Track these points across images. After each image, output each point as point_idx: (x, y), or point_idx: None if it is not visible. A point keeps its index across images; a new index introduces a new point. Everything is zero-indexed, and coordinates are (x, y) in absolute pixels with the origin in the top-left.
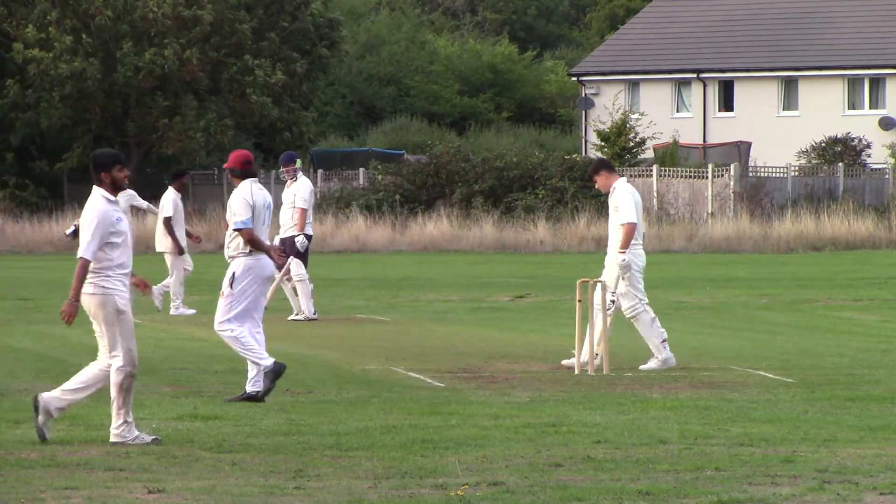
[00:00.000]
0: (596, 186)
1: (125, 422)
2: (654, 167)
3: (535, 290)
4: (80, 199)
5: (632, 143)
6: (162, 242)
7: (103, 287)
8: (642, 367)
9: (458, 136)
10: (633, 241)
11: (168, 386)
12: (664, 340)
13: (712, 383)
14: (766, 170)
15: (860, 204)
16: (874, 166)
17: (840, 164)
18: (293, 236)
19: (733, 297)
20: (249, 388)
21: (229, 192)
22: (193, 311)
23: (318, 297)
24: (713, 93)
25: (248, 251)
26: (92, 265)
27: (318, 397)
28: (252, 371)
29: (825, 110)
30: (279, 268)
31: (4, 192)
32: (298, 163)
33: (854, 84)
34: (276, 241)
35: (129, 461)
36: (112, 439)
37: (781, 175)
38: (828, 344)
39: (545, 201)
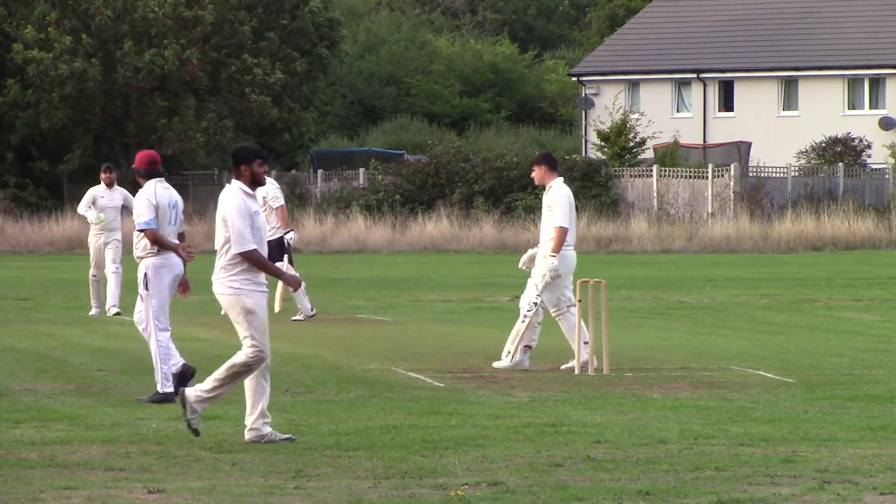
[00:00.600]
0: (532, 175)
1: (262, 415)
2: (654, 167)
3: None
4: (80, 200)
5: (632, 143)
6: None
7: (232, 287)
8: (496, 363)
9: (458, 136)
10: (564, 244)
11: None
12: (529, 346)
13: (712, 383)
14: (766, 170)
15: (860, 204)
16: (874, 166)
17: (840, 164)
18: (274, 239)
19: (733, 297)
20: (161, 388)
21: None
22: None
23: (318, 297)
24: (713, 93)
25: (155, 251)
26: (222, 263)
27: (318, 397)
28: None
29: (825, 110)
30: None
31: (4, 192)
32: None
33: (854, 84)
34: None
35: (129, 461)
36: (247, 438)
37: (781, 175)
38: (828, 344)
39: None
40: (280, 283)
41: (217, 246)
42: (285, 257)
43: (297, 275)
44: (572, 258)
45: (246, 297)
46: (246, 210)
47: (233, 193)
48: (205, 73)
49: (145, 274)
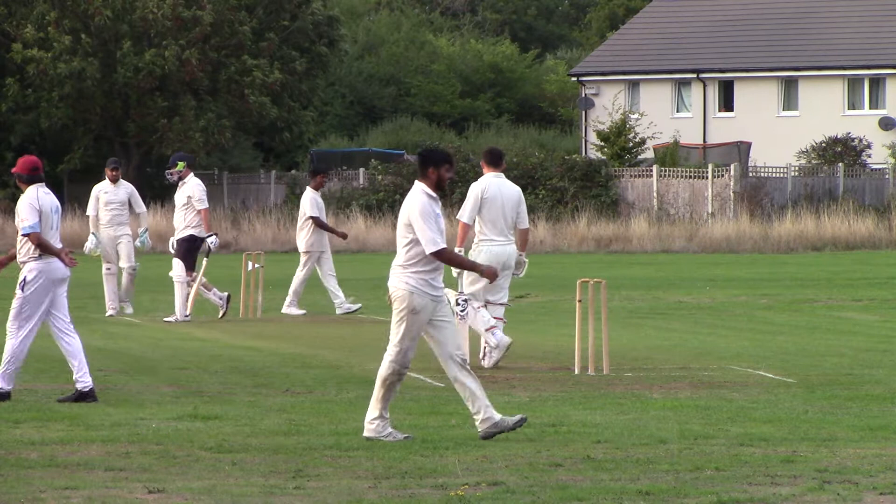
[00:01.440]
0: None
1: (381, 416)
2: (654, 167)
3: (535, 290)
4: (80, 200)
5: (632, 143)
6: (304, 241)
7: (408, 283)
8: (485, 363)
9: (458, 136)
10: (483, 238)
11: (168, 386)
12: (492, 327)
13: (712, 383)
14: (766, 170)
15: (860, 204)
16: (874, 166)
17: (840, 164)
18: (187, 237)
19: (733, 297)
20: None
21: (229, 193)
22: (304, 311)
23: (319, 296)
24: (713, 93)
25: (38, 255)
26: (401, 261)
27: (318, 397)
28: (77, 371)
29: (825, 110)
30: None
31: (4, 191)
32: (181, 165)
33: (854, 84)
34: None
35: (129, 461)
36: (365, 434)
37: (781, 175)
38: (828, 344)
39: (545, 201)
40: (194, 287)
41: (399, 246)
42: (204, 261)
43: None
44: (496, 253)
45: (417, 297)
46: (430, 212)
47: (417, 196)
48: (204, 74)
49: (24, 277)
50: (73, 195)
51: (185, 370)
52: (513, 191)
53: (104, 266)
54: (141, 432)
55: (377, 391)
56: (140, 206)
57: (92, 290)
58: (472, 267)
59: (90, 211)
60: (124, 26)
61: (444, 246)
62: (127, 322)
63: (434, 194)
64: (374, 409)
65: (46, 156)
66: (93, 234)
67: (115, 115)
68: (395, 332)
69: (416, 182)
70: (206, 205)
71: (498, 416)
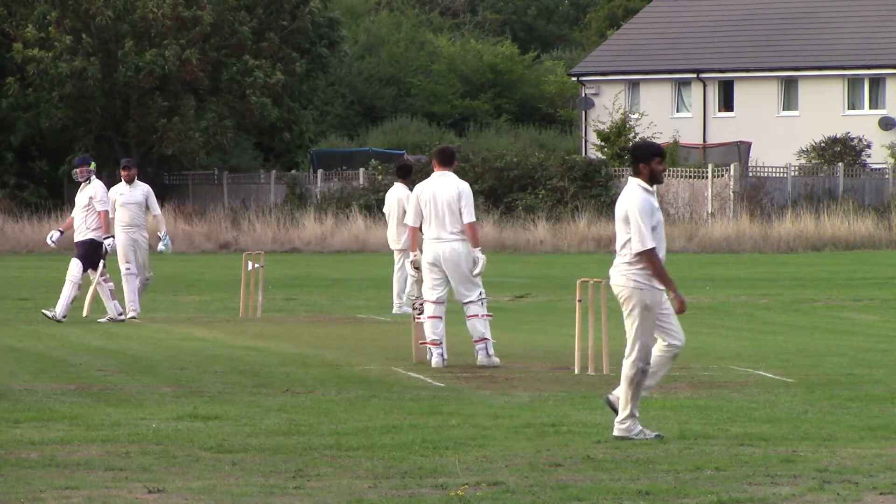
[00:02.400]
0: None
1: (632, 415)
2: None
3: (535, 290)
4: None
5: (632, 143)
6: (397, 240)
7: (635, 280)
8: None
9: (458, 136)
10: (424, 236)
11: (168, 386)
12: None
13: (712, 383)
14: (766, 170)
15: (860, 204)
16: (874, 166)
17: (840, 164)
18: (88, 239)
19: (733, 297)
20: None
21: (230, 193)
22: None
23: (319, 297)
24: (713, 93)
25: None
26: (626, 258)
27: (318, 397)
28: None
29: (825, 110)
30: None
31: (4, 191)
32: (93, 165)
33: (854, 84)
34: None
35: (129, 461)
36: (615, 433)
37: (781, 175)
38: (828, 344)
39: (545, 201)
40: (91, 287)
41: (618, 243)
42: (101, 263)
43: (681, 297)
44: (429, 250)
45: (647, 294)
46: (649, 208)
47: (635, 191)
48: (205, 74)
49: None
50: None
51: (185, 370)
52: (449, 188)
53: (123, 267)
54: (141, 432)
55: (625, 392)
56: (155, 208)
57: None
58: (668, 283)
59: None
60: (125, 26)
61: (653, 247)
62: (127, 322)
63: (650, 188)
64: (624, 410)
65: (46, 156)
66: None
67: (116, 115)
68: (632, 331)
69: (630, 178)
70: (106, 206)
71: (637, 429)
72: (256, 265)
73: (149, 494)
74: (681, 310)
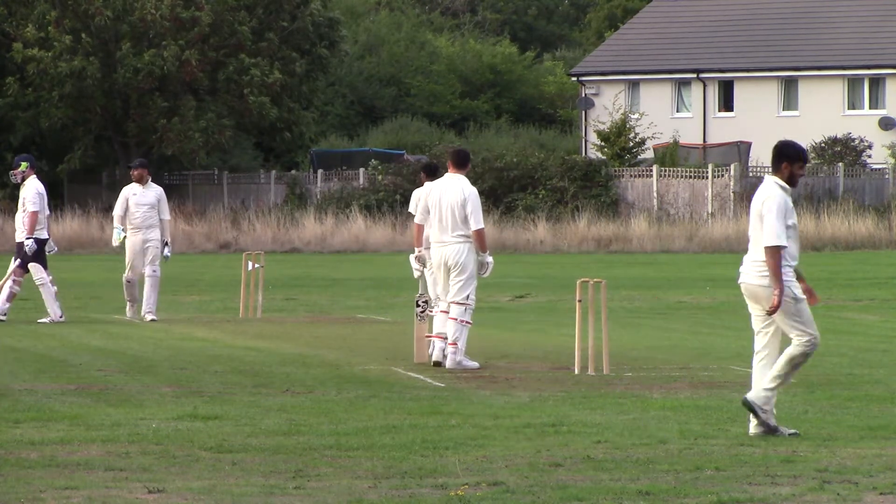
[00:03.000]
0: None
1: (773, 389)
2: (654, 167)
3: (535, 290)
4: (80, 200)
5: (632, 143)
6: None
7: None
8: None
9: (457, 136)
10: (431, 238)
11: (168, 386)
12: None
13: (712, 383)
14: (767, 170)
15: (860, 204)
16: (874, 166)
17: (840, 164)
18: (24, 240)
19: (733, 297)
20: None
21: (230, 193)
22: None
23: (318, 297)
24: (713, 93)
25: None
26: (764, 256)
27: (318, 397)
28: None
29: (825, 110)
30: None
31: (4, 191)
32: (24, 166)
33: (854, 84)
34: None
35: (129, 461)
36: (749, 396)
37: None
38: (828, 344)
39: (545, 201)
40: (4, 281)
41: (752, 239)
42: (13, 262)
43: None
44: (434, 253)
45: (793, 288)
46: (784, 206)
47: (773, 188)
48: (204, 74)
49: None
50: (73, 195)
51: (185, 370)
52: (455, 193)
53: (126, 274)
54: (141, 432)
55: (781, 366)
56: (165, 213)
57: (93, 290)
58: (777, 282)
59: (117, 210)
60: (124, 26)
61: (783, 245)
62: (127, 322)
63: (788, 187)
64: (770, 382)
65: (46, 156)
66: (116, 227)
67: (115, 115)
68: (793, 326)
69: (767, 176)
70: (37, 208)
71: (773, 422)
72: (256, 265)
73: (149, 494)
74: (771, 310)
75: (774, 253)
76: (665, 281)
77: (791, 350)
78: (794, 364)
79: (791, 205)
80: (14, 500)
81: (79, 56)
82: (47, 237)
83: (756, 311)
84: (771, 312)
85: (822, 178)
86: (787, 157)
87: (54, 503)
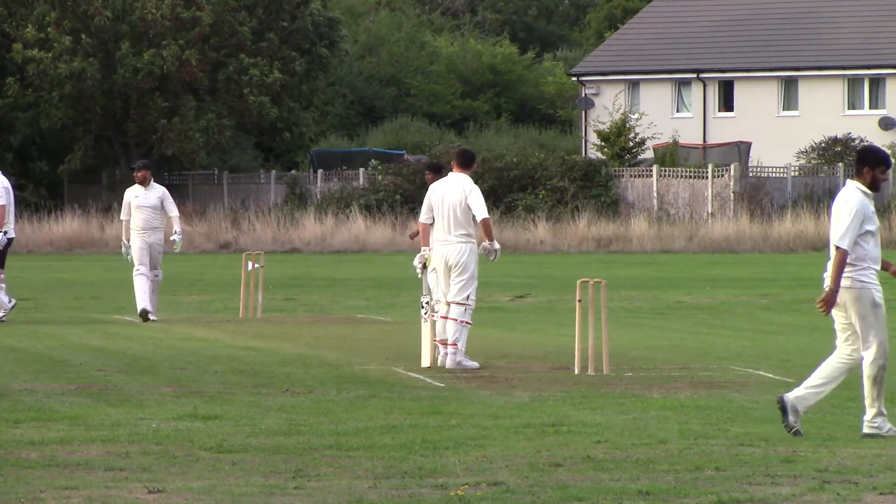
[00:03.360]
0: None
1: (879, 413)
2: (654, 167)
3: (535, 290)
4: (80, 200)
5: (632, 143)
6: None
7: (860, 281)
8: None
9: (457, 136)
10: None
11: (168, 386)
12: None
13: (712, 383)
14: (766, 170)
15: None
16: None
17: (840, 164)
18: None
19: (733, 297)
20: None
21: (230, 193)
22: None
23: (318, 297)
24: (713, 93)
25: None
26: (849, 258)
27: (318, 397)
28: None
29: (825, 110)
30: None
31: None
32: None
33: (854, 84)
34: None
35: (129, 461)
36: (865, 430)
37: (781, 175)
38: (828, 344)
39: (545, 201)
40: None
41: (831, 242)
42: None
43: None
44: (436, 251)
45: (875, 292)
46: (864, 211)
47: (854, 192)
48: (204, 74)
49: None
50: (73, 195)
51: (185, 370)
52: (456, 192)
53: (135, 268)
54: (141, 432)
55: (869, 391)
56: (172, 209)
57: (93, 290)
58: (834, 282)
59: (123, 216)
60: (124, 26)
61: (848, 249)
62: (127, 322)
63: (869, 192)
64: (871, 409)
65: (47, 156)
66: (123, 241)
67: (115, 115)
68: (865, 332)
69: (849, 180)
70: (3, 202)
71: (887, 427)
72: (256, 265)
73: (149, 494)
74: (822, 307)
75: (842, 255)
76: (665, 281)
77: (867, 371)
78: (878, 381)
79: (872, 210)
80: (14, 500)
81: (78, 56)
82: (13, 236)
83: (840, 319)
84: (822, 306)
85: (822, 178)
86: (869, 162)
87: (54, 503)
